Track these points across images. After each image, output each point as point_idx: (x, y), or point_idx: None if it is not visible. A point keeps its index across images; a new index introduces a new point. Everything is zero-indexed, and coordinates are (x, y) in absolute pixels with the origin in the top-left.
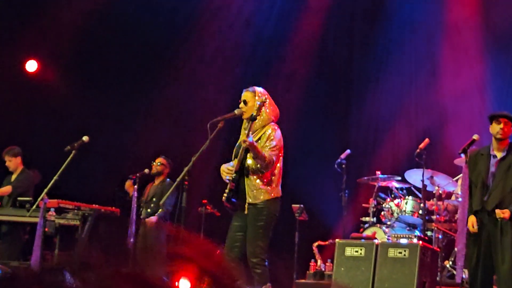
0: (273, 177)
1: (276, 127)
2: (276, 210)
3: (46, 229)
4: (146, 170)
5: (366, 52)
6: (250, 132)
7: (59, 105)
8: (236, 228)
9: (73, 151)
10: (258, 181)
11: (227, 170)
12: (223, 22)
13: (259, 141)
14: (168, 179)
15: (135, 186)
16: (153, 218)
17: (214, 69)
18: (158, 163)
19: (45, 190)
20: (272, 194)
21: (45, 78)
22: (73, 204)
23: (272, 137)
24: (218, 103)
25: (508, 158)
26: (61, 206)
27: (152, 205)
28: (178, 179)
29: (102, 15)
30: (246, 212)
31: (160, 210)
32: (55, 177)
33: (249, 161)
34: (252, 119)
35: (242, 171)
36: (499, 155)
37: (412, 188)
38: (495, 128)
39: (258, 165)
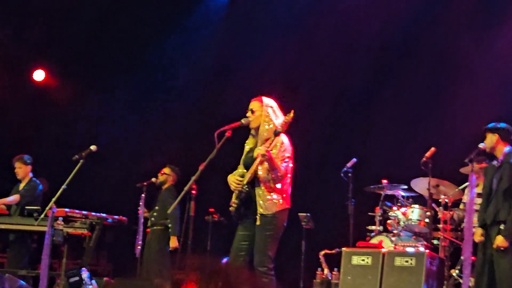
0: (284, 188)
1: (286, 138)
2: (285, 220)
3: (54, 238)
4: (154, 179)
5: (373, 62)
6: (268, 145)
7: (66, 114)
8: (242, 238)
9: (81, 160)
10: (269, 191)
11: (237, 181)
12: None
13: (272, 152)
14: (171, 186)
15: (143, 195)
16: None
17: (222, 80)
18: (162, 173)
19: (53, 199)
20: (282, 205)
21: (53, 87)
22: (81, 213)
23: (283, 148)
24: (227, 113)
25: (503, 167)
26: (69, 215)
27: (155, 213)
28: (185, 188)
29: (110, 23)
30: (258, 223)
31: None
32: (63, 186)
33: (261, 172)
34: (276, 134)
35: (253, 182)
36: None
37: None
38: None
39: (271, 176)
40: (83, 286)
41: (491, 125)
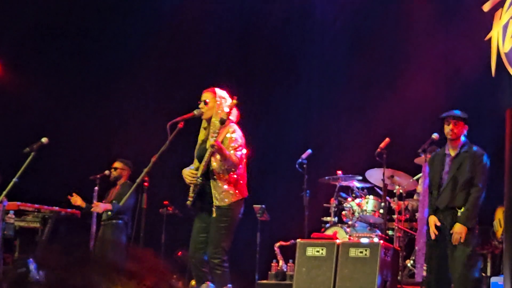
0: (238, 178)
1: (236, 128)
2: (240, 211)
3: (5, 232)
4: (107, 172)
5: (325, 50)
6: (216, 135)
7: (18, 106)
8: (200, 230)
9: (32, 153)
10: (223, 183)
11: (191, 173)
12: (181, 25)
13: (223, 143)
14: (128, 181)
15: (96, 188)
16: (102, 205)
17: (174, 70)
18: (114, 168)
19: (4, 193)
20: (238, 196)
21: (5, 79)
22: (33, 207)
23: (234, 138)
24: (177, 104)
25: (461, 156)
26: (21, 209)
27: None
28: (137, 181)
29: (63, 15)
30: (214, 215)
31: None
32: (14, 179)
33: (214, 163)
34: (222, 122)
35: (207, 174)
36: (453, 153)
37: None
38: (446, 129)
39: (225, 167)
40: (30, 277)
41: (461, 113)
